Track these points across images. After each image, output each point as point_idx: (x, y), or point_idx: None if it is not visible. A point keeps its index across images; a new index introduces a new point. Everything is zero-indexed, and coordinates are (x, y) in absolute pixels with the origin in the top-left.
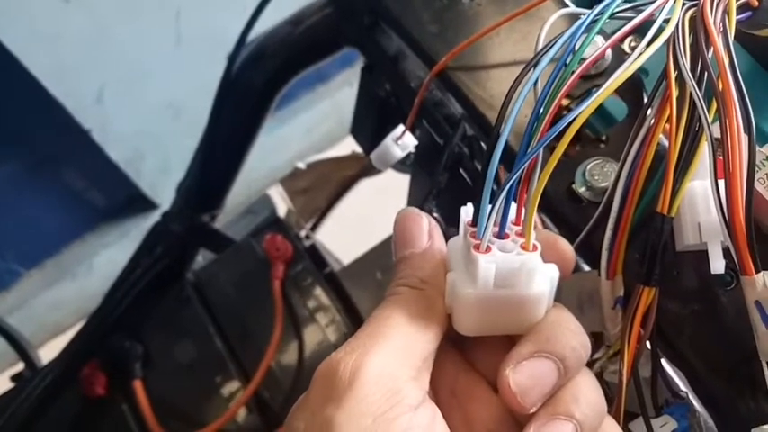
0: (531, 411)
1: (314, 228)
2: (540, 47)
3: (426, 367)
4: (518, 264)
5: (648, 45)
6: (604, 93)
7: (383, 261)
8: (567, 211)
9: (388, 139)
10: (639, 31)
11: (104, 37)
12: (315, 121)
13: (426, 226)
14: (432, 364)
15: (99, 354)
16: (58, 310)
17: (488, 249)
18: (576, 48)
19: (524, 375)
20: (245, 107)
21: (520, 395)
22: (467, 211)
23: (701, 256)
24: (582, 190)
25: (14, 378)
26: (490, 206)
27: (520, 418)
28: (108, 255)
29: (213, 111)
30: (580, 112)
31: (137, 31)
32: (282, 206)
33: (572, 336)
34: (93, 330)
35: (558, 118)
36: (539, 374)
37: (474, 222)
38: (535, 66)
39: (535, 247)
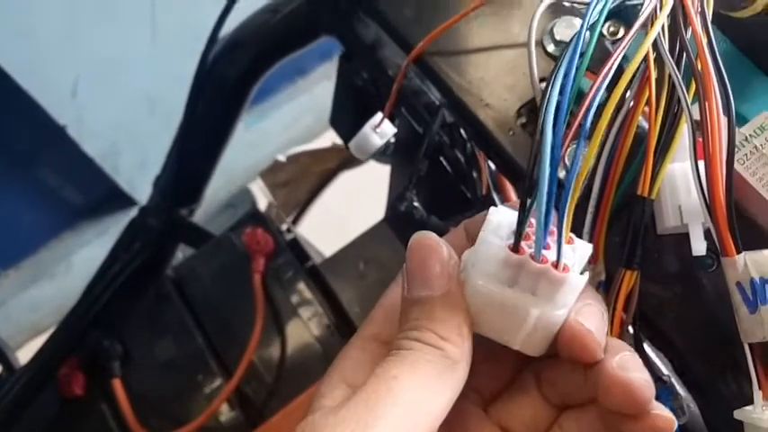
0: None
1: (295, 221)
2: (534, 35)
3: None
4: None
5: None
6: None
7: (366, 252)
8: None
9: (367, 128)
10: (617, 15)
11: (78, 30)
12: (294, 115)
13: (447, 258)
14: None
15: (77, 353)
16: (36, 311)
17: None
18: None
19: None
20: (221, 99)
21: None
22: (498, 215)
23: (682, 239)
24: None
25: None
26: (546, 214)
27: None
28: (86, 253)
29: (189, 103)
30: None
31: (111, 23)
32: (263, 200)
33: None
34: (70, 329)
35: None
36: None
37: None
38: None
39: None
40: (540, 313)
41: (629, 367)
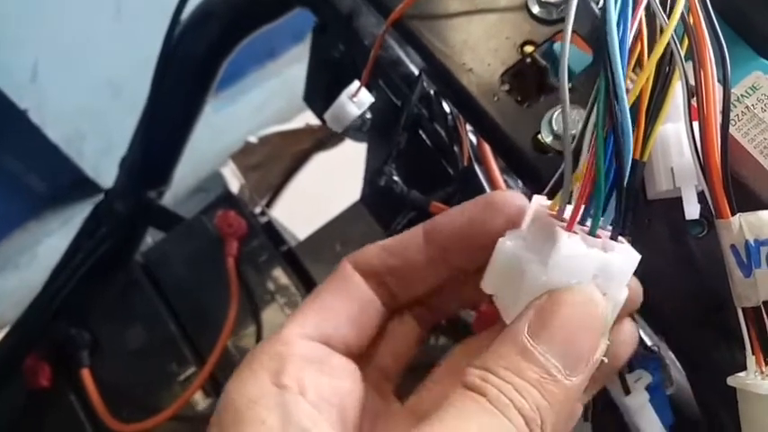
0: None
1: (269, 204)
2: None
3: None
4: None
5: None
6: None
7: (342, 233)
8: (532, 163)
9: (343, 96)
10: None
11: (37, 9)
12: (264, 98)
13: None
14: None
15: (42, 344)
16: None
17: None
18: None
19: None
20: (188, 76)
21: None
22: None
23: (671, 204)
24: (549, 140)
25: None
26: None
27: None
28: (51, 243)
29: (154, 81)
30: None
31: (72, 2)
32: (235, 183)
33: None
34: (33, 319)
35: (522, 67)
36: None
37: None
38: None
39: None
40: (533, 271)
41: None
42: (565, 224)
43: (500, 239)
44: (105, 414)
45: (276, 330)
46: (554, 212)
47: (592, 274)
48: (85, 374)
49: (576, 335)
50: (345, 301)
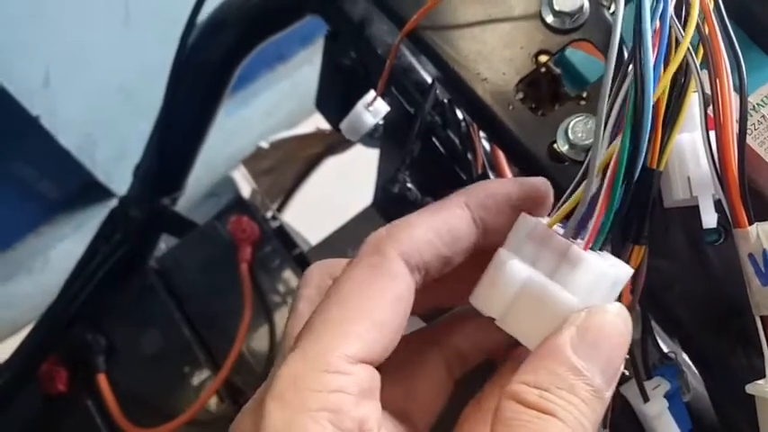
0: None
1: (280, 208)
2: None
3: None
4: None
5: None
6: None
7: (354, 238)
8: (549, 172)
9: (359, 106)
10: None
11: (48, 16)
12: (275, 101)
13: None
14: None
15: (58, 349)
16: (13, 308)
17: None
18: None
19: None
20: (203, 82)
21: None
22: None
23: (688, 212)
24: (565, 149)
25: None
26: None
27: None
28: (64, 247)
29: (168, 88)
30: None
31: (82, 9)
32: (246, 188)
33: None
34: (50, 324)
35: (536, 76)
36: None
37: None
38: None
39: None
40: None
41: None
42: (581, 243)
43: (502, 261)
44: (121, 419)
45: (304, 343)
46: (552, 229)
47: (610, 289)
48: (102, 379)
49: (614, 351)
50: (392, 306)
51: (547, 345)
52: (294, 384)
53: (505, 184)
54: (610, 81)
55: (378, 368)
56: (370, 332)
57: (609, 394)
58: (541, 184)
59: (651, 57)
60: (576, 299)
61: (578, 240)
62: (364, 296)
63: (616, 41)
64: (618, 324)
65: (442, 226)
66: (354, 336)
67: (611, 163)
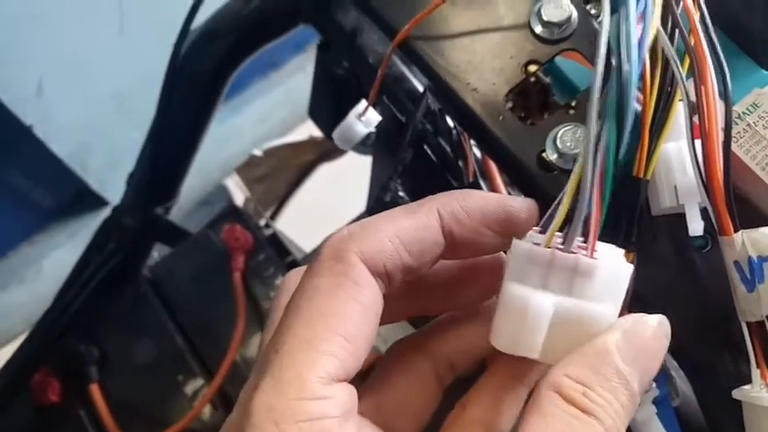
0: None
1: (273, 216)
2: None
3: None
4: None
5: None
6: None
7: None
8: (538, 181)
9: (351, 116)
10: None
11: (41, 25)
12: (268, 108)
13: None
14: None
15: (51, 359)
16: (6, 318)
17: None
18: None
19: None
20: (196, 92)
21: None
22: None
23: (676, 219)
24: (554, 158)
25: None
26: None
27: None
28: (58, 256)
29: (162, 97)
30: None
31: (77, 18)
32: (240, 196)
33: None
34: (43, 334)
35: (526, 85)
36: None
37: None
38: None
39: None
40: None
41: None
42: (584, 252)
43: (519, 297)
44: (115, 429)
45: (275, 370)
46: (548, 245)
47: (625, 282)
48: (94, 390)
49: (654, 360)
50: (361, 318)
51: (594, 344)
52: (272, 417)
53: (485, 201)
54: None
55: (366, 379)
56: (343, 348)
57: (639, 402)
58: (522, 209)
59: (635, 37)
60: (606, 305)
61: (576, 246)
62: (332, 310)
63: (603, 48)
64: (660, 334)
65: (409, 234)
66: (327, 355)
67: (599, 159)
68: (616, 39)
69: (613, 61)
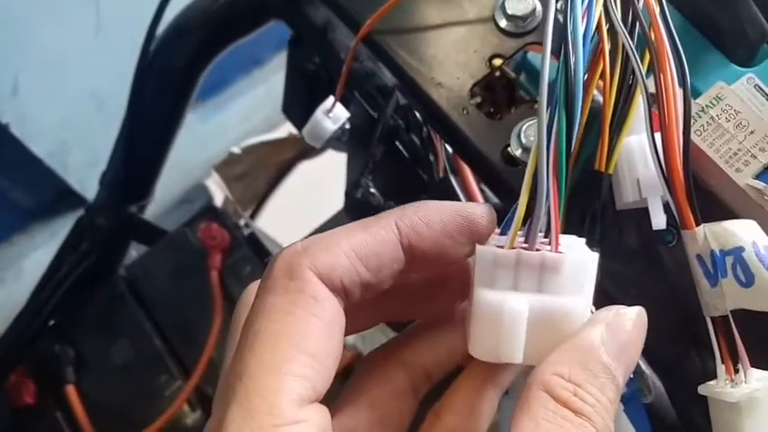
0: None
1: (253, 215)
2: None
3: None
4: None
5: None
6: None
7: None
8: (503, 176)
9: (318, 113)
10: None
11: (17, 24)
12: (251, 106)
13: None
14: None
15: (26, 360)
16: None
17: None
18: None
19: None
20: (166, 89)
21: None
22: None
23: (642, 214)
24: (518, 152)
25: None
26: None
27: None
28: (38, 257)
29: (132, 95)
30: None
31: (53, 17)
32: (220, 195)
33: None
34: (17, 336)
35: (491, 80)
36: None
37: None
38: None
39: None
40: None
41: None
42: (548, 248)
43: (492, 303)
44: (91, 431)
45: (242, 398)
46: (511, 246)
47: (591, 269)
48: (71, 391)
49: (635, 353)
50: (325, 334)
51: (579, 339)
52: None
53: (443, 210)
54: (546, 75)
55: (343, 392)
56: (310, 368)
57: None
58: (482, 214)
59: (579, 28)
60: (578, 297)
61: (539, 243)
62: (293, 328)
63: (548, 37)
64: (639, 325)
65: (365, 248)
66: (295, 377)
67: (551, 148)
68: (563, 31)
69: (561, 52)
